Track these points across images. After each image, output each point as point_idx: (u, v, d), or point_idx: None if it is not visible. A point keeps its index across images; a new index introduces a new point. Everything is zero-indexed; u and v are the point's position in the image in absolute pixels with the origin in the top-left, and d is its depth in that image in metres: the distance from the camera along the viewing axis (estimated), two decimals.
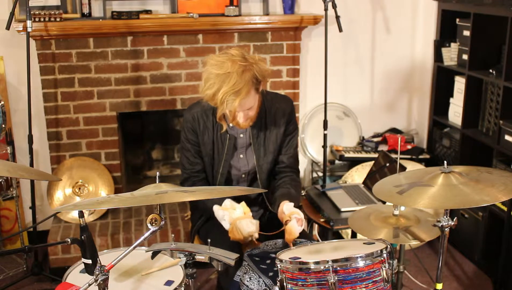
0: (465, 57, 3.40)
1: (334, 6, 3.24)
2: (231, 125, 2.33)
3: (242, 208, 2.23)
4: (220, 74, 2.09)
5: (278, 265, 1.76)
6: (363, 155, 3.69)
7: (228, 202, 2.28)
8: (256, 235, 2.19)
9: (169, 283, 1.86)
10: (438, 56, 3.68)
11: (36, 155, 3.43)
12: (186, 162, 2.41)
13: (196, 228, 2.50)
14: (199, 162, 2.40)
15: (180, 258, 1.95)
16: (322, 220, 2.70)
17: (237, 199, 2.31)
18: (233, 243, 2.28)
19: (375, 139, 3.86)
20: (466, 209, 3.33)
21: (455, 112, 3.56)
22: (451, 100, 3.63)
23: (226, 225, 2.23)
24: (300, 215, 2.21)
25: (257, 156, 2.39)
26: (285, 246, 2.19)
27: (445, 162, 1.94)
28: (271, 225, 2.36)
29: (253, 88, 2.14)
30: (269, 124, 2.38)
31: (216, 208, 2.27)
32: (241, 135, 2.38)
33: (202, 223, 2.48)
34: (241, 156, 2.40)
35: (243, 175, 2.43)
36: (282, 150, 2.44)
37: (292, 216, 2.18)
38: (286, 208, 2.25)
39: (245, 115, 2.21)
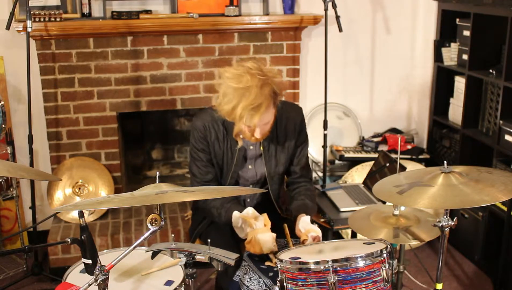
0: (465, 57, 3.40)
1: (334, 6, 3.24)
2: (241, 136, 2.26)
3: (263, 220, 2.16)
4: (239, 88, 2.02)
5: (278, 265, 1.76)
6: (363, 155, 3.69)
7: (250, 211, 2.19)
8: (276, 249, 2.11)
9: (169, 283, 1.86)
10: (438, 56, 3.68)
11: (36, 155, 3.43)
12: (197, 172, 2.34)
13: (198, 231, 2.47)
14: (210, 171, 2.33)
15: (180, 258, 1.95)
16: (322, 220, 2.70)
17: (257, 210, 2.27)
18: (233, 243, 2.28)
19: (375, 139, 3.86)
20: (466, 209, 3.33)
21: (455, 112, 3.56)
22: (451, 100, 3.63)
23: (242, 234, 2.16)
24: (317, 232, 2.15)
25: (268, 167, 2.34)
26: (285, 246, 2.19)
27: (445, 162, 1.94)
28: (275, 230, 2.32)
29: (272, 102, 2.08)
30: (280, 136, 2.32)
31: (236, 214, 2.19)
32: (251, 147, 2.32)
33: (205, 226, 2.44)
34: (250, 167, 2.36)
35: (251, 185, 2.40)
36: (294, 161, 2.40)
37: (308, 235, 2.13)
38: (302, 226, 2.19)
39: (261, 130, 2.14)
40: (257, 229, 2.10)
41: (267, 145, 2.31)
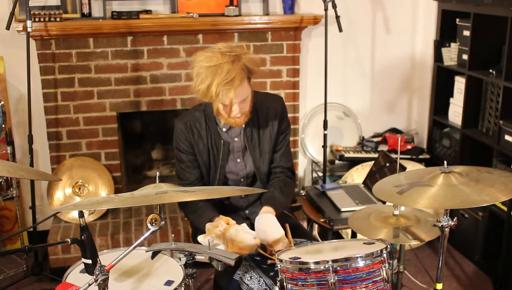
0: (465, 57, 3.40)
1: (334, 6, 3.24)
2: (224, 129, 2.31)
3: (222, 221, 2.13)
4: (211, 66, 2.07)
5: (278, 265, 1.76)
6: (363, 155, 3.69)
7: (209, 225, 2.15)
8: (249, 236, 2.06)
9: (169, 283, 1.86)
10: (438, 56, 3.68)
11: (36, 155, 3.43)
12: (181, 173, 2.37)
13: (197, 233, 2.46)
14: (194, 172, 2.34)
15: (180, 258, 1.95)
16: (322, 220, 2.70)
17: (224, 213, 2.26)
18: None
19: (375, 139, 3.86)
20: (466, 209, 3.33)
21: (455, 112, 3.56)
22: (451, 100, 3.63)
23: (221, 246, 2.09)
24: (284, 243, 2.08)
25: (254, 158, 2.36)
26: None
27: (445, 162, 1.94)
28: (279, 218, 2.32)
29: (246, 77, 2.12)
30: (262, 125, 2.35)
31: (200, 238, 2.11)
32: (236, 139, 2.34)
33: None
34: (238, 160, 2.37)
35: (242, 179, 2.40)
36: (275, 149, 2.42)
37: (276, 249, 2.07)
38: (266, 233, 2.11)
39: (240, 108, 2.16)
40: (223, 232, 2.08)
41: (250, 135, 2.34)
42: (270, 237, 2.11)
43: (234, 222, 2.15)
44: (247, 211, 2.45)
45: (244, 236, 2.03)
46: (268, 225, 2.16)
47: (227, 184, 2.40)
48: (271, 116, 2.36)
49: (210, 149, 2.32)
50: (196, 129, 2.31)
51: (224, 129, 2.32)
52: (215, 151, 2.33)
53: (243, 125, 2.30)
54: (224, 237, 2.06)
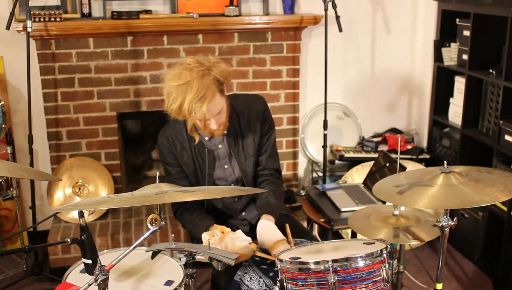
0: (465, 57, 3.40)
1: (334, 6, 3.24)
2: (206, 138, 2.29)
3: (217, 229, 2.15)
4: (180, 85, 2.03)
5: (278, 265, 1.76)
6: (363, 155, 3.69)
7: (205, 235, 2.15)
8: (250, 241, 2.09)
9: (169, 283, 1.86)
10: (438, 56, 3.68)
11: (36, 155, 3.43)
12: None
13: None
14: (183, 183, 2.33)
15: (180, 258, 1.95)
16: (322, 220, 2.70)
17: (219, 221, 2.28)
18: None
19: (375, 139, 3.86)
20: (466, 209, 3.33)
21: (455, 112, 3.56)
22: (451, 100, 3.63)
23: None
24: (285, 245, 2.10)
25: (239, 162, 2.33)
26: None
27: (445, 162, 1.94)
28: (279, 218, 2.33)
29: (217, 90, 2.08)
30: (244, 128, 2.32)
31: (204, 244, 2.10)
32: (220, 146, 2.32)
33: None
34: (226, 166, 2.34)
35: (232, 184, 2.38)
36: (260, 151, 2.39)
37: (276, 252, 2.06)
38: (268, 238, 2.14)
39: (216, 121, 2.13)
40: (217, 241, 2.09)
41: (233, 140, 2.31)
42: (272, 244, 2.12)
43: (228, 230, 2.15)
44: (243, 213, 2.44)
45: (239, 244, 2.04)
46: (270, 234, 2.16)
47: None
48: (253, 119, 2.33)
49: (195, 159, 2.30)
50: (178, 142, 2.29)
51: (206, 138, 2.29)
52: (200, 161, 2.31)
53: (225, 132, 2.26)
54: (221, 246, 2.07)
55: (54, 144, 3.44)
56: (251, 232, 2.30)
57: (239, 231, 2.12)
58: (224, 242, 2.07)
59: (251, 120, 2.33)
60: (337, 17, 3.25)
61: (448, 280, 3.18)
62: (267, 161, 2.40)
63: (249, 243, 2.08)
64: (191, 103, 2.02)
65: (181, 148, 2.30)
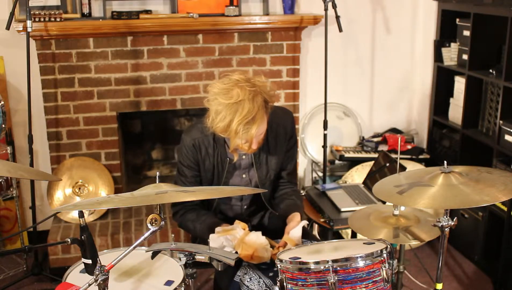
0: (465, 57, 3.40)
1: (334, 6, 3.24)
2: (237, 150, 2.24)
3: (240, 225, 2.15)
4: (230, 104, 1.97)
5: (278, 265, 1.76)
6: (363, 155, 3.69)
7: (220, 229, 2.16)
8: (268, 245, 2.11)
9: (169, 283, 1.86)
10: (438, 56, 3.68)
11: (36, 155, 3.43)
12: (180, 186, 2.31)
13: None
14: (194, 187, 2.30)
15: (180, 258, 1.95)
16: (322, 220, 2.70)
17: (227, 220, 2.30)
18: None
19: (375, 139, 3.86)
20: (466, 209, 3.33)
21: (455, 112, 3.56)
22: (451, 100, 3.63)
23: (229, 248, 2.11)
24: (292, 242, 2.15)
25: (260, 175, 2.31)
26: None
27: (445, 162, 1.94)
28: (273, 226, 2.37)
29: (265, 112, 2.04)
30: (271, 143, 2.29)
31: (213, 237, 2.13)
32: (243, 157, 2.29)
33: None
34: (244, 176, 2.33)
35: (246, 194, 2.38)
36: (283, 166, 2.39)
37: (286, 241, 2.15)
38: (293, 231, 2.18)
39: (258, 141, 2.11)
40: (241, 236, 2.10)
41: (258, 153, 2.27)
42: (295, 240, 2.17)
43: (248, 228, 2.16)
44: (250, 223, 2.45)
45: (262, 253, 2.05)
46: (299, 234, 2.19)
47: (229, 198, 2.39)
48: (281, 134, 2.31)
49: (216, 166, 2.27)
50: (204, 147, 2.25)
51: (237, 150, 2.25)
52: (220, 169, 2.28)
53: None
54: (241, 241, 2.07)
55: (54, 144, 3.44)
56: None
57: (260, 234, 2.12)
58: (248, 237, 2.07)
59: (278, 135, 2.30)
60: (337, 17, 3.25)
61: (448, 280, 3.18)
62: (288, 177, 2.44)
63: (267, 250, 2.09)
64: (240, 124, 1.98)
65: (205, 153, 2.25)
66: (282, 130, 2.31)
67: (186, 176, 2.31)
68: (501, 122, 3.06)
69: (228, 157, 2.27)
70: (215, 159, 2.26)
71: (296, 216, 2.26)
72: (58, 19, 3.18)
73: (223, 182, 2.30)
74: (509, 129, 3.00)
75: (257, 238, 2.09)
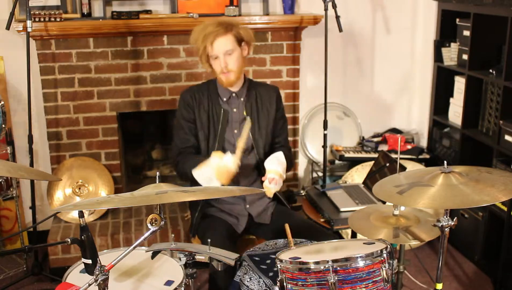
0: (465, 57, 3.40)
1: (334, 6, 3.24)
2: (224, 99, 2.51)
3: (216, 154, 2.31)
4: (203, 27, 2.40)
5: (278, 265, 1.76)
6: (363, 155, 3.69)
7: (202, 164, 2.36)
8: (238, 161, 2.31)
9: (169, 283, 1.86)
10: (438, 56, 3.68)
11: (36, 155, 3.43)
12: (178, 140, 2.55)
13: (195, 227, 2.52)
14: (190, 139, 2.53)
15: (180, 258, 1.95)
16: (322, 220, 2.70)
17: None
18: (232, 244, 2.29)
19: (375, 139, 3.86)
20: (466, 209, 3.33)
21: (455, 112, 3.56)
22: (451, 100, 3.63)
23: (211, 181, 2.31)
24: (274, 175, 2.36)
25: (252, 129, 2.51)
26: (286, 246, 2.19)
27: (445, 162, 1.94)
28: (281, 216, 2.50)
29: (232, 35, 2.38)
30: (259, 103, 2.57)
31: (196, 173, 2.35)
32: (235, 110, 2.53)
33: (199, 220, 2.52)
34: (235, 131, 2.52)
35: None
36: (276, 132, 2.63)
37: (266, 175, 2.37)
38: (266, 164, 2.42)
39: (226, 61, 2.38)
40: (217, 163, 2.29)
41: (250, 109, 2.54)
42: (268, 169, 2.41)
43: (223, 154, 2.34)
44: (247, 206, 2.56)
45: (230, 163, 2.29)
46: (276, 160, 2.45)
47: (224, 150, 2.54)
48: (269, 99, 2.59)
49: (211, 115, 2.51)
50: (198, 95, 2.52)
51: (224, 99, 2.52)
52: (215, 118, 2.50)
53: (242, 99, 2.52)
54: (217, 167, 2.28)
55: (54, 144, 3.44)
56: (249, 224, 2.52)
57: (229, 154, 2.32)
58: (213, 160, 2.30)
59: (266, 99, 2.59)
60: (337, 17, 3.25)
61: (448, 280, 3.18)
62: (284, 141, 2.68)
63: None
64: (206, 35, 2.36)
65: (199, 101, 2.52)
66: (267, 97, 2.59)
67: (183, 128, 2.53)
68: (501, 122, 3.06)
69: (222, 108, 2.51)
70: (209, 108, 2.51)
71: (268, 159, 2.45)
72: (58, 19, 3.18)
73: (219, 133, 2.49)
74: (509, 129, 3.00)
75: (230, 160, 2.28)
